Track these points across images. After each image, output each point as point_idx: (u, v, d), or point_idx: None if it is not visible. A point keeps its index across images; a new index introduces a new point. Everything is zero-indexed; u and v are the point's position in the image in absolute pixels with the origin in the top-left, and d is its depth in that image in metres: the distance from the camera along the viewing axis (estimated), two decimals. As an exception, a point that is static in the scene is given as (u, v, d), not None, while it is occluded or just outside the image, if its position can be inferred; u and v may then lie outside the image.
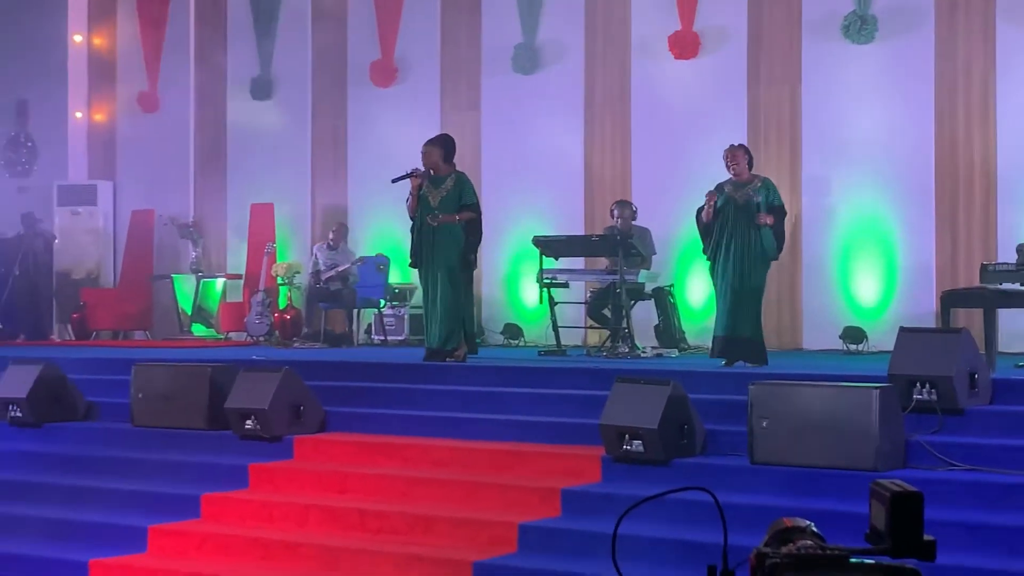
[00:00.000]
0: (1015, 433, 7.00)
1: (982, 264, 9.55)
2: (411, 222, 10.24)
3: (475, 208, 10.11)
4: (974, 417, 7.16)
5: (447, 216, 9.89)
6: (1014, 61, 11.34)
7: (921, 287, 11.59)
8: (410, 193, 10.06)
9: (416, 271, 10.53)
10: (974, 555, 5.92)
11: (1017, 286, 9.01)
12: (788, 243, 10.12)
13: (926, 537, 1.95)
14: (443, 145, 10.18)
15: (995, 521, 6.18)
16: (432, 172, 10.02)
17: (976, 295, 8.95)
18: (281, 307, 14.05)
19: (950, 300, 9.03)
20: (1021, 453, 6.76)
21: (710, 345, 9.93)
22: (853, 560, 1.86)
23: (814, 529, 1.99)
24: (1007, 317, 9.87)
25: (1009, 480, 6.51)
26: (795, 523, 2.01)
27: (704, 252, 9.80)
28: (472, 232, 10.07)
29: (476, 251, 10.31)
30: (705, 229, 9.72)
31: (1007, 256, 10.19)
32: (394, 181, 10.26)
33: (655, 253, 11.94)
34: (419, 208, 10.02)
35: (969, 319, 10.11)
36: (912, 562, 1.91)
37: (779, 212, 9.58)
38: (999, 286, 9.09)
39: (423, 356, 10.04)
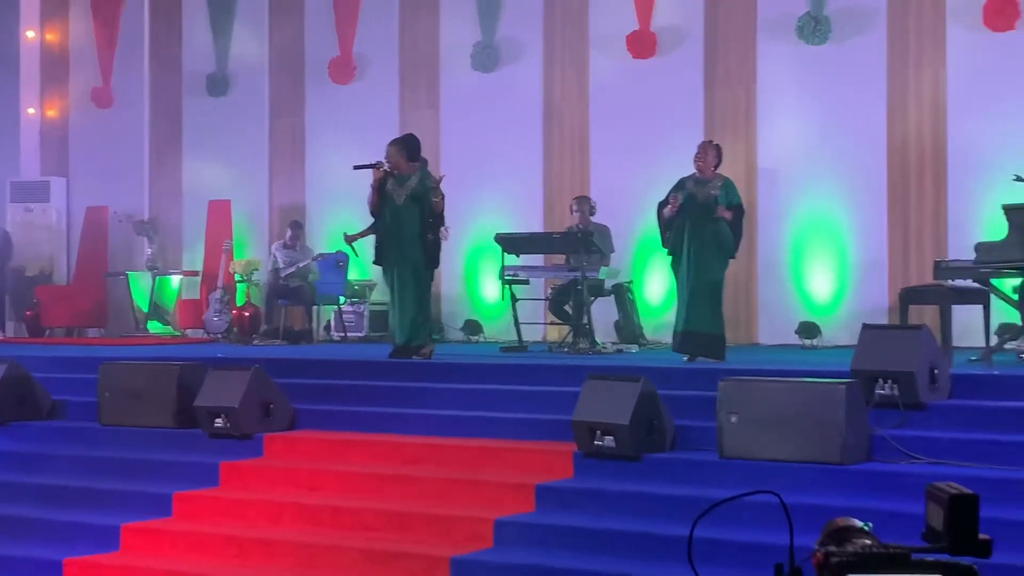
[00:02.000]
0: (974, 427, 7.20)
1: (936, 261, 9.78)
2: (372, 219, 10.31)
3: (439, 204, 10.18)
4: (935, 411, 7.36)
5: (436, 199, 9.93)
6: (964, 61, 11.60)
7: (874, 283, 11.84)
8: (371, 186, 10.12)
9: (380, 268, 10.60)
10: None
11: (970, 283, 9.24)
12: (744, 239, 10.30)
13: (981, 536, 2.10)
14: (406, 145, 10.26)
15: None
16: (396, 172, 10.10)
17: (934, 292, 9.17)
18: (239, 304, 14.07)
19: (908, 297, 9.25)
20: (980, 446, 6.96)
21: (668, 341, 10.09)
22: (915, 558, 2.00)
23: (870, 529, 2.13)
24: (957, 313, 10.12)
25: (969, 472, 6.69)
26: (850, 523, 2.14)
27: (663, 245, 9.96)
28: (428, 227, 10.12)
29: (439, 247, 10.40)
30: (666, 223, 9.88)
31: (957, 252, 10.44)
32: (356, 168, 10.30)
33: (614, 250, 12.10)
34: (383, 205, 10.09)
35: (921, 314, 10.36)
36: (968, 560, 2.05)
37: (738, 210, 9.75)
38: (951, 282, 9.33)
39: (389, 353, 10.11)
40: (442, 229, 10.34)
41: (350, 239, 10.90)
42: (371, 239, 10.59)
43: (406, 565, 6.92)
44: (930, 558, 2.04)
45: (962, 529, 2.09)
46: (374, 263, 10.53)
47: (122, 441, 9.09)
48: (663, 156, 11.94)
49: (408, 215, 10.00)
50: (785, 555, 2.14)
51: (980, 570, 2.10)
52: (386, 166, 10.09)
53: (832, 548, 2.03)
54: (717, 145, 10.05)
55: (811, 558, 2.04)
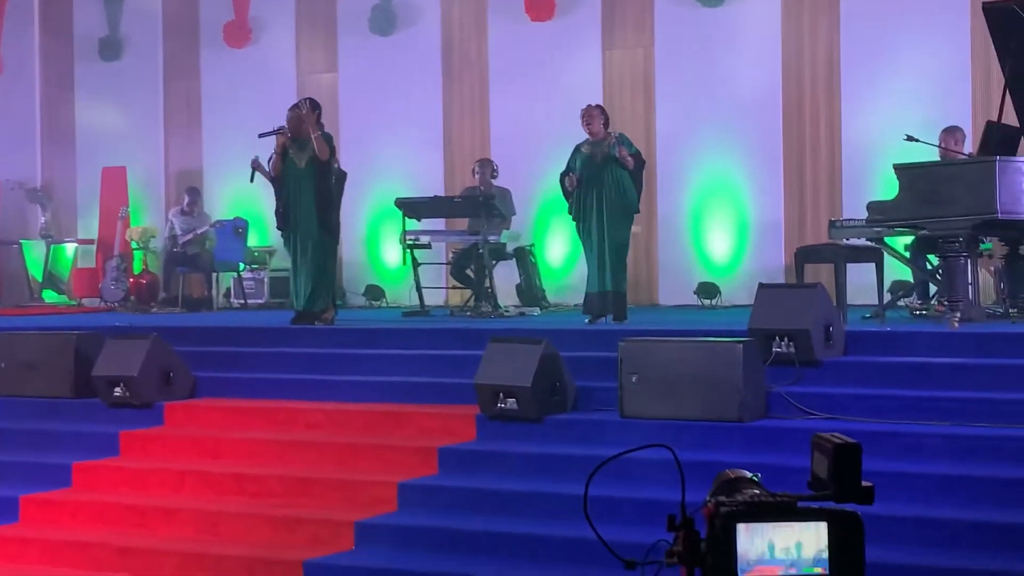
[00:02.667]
0: (867, 383, 7.35)
1: (830, 220, 9.95)
2: (273, 185, 10.23)
3: (332, 154, 10.13)
4: (830, 368, 7.51)
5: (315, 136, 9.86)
6: (857, 25, 11.78)
7: (771, 242, 12.02)
8: (275, 151, 10.04)
9: (281, 234, 10.52)
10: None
11: (863, 241, 9.42)
12: (644, 201, 10.37)
13: (864, 483, 2.17)
14: (311, 107, 10.14)
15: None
16: (297, 136, 10.01)
17: (828, 251, 9.34)
18: (136, 272, 13.88)
19: (803, 256, 9.41)
20: (873, 401, 7.12)
21: (571, 303, 10.16)
22: (800, 505, 2.07)
23: (759, 479, 2.19)
24: (853, 271, 10.32)
25: (862, 427, 6.83)
26: (740, 474, 2.20)
27: (569, 213, 10.00)
28: (327, 192, 10.08)
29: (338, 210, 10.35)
30: (567, 194, 9.93)
31: (852, 211, 10.63)
32: (261, 136, 10.18)
33: (515, 213, 12.12)
34: (284, 170, 10.01)
35: (817, 273, 10.55)
36: (852, 506, 2.12)
37: (636, 159, 9.78)
38: (846, 241, 9.50)
39: (291, 319, 10.06)
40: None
41: (256, 163, 10.42)
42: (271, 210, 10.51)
43: (310, 530, 6.92)
44: (815, 505, 2.11)
45: (846, 477, 2.16)
46: (278, 228, 10.42)
47: (19, 412, 8.96)
48: (563, 118, 11.92)
49: (309, 180, 9.94)
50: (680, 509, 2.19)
51: (863, 517, 2.16)
52: (287, 131, 10.00)
53: (722, 498, 2.08)
54: (599, 105, 10.12)
55: (702, 509, 2.09)
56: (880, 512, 6.01)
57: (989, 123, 8.53)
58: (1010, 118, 8.45)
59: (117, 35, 15.03)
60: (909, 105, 11.27)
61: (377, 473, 7.37)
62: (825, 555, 2.06)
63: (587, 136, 9.87)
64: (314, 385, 8.66)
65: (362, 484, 7.26)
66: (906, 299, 10.01)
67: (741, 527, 2.02)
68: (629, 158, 9.65)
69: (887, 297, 9.75)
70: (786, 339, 7.45)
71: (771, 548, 2.05)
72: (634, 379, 7.27)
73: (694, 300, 11.97)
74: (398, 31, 13.67)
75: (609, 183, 9.66)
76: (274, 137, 10.03)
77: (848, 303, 9.35)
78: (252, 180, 10.44)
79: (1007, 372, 7.07)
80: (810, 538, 2.06)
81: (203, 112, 14.66)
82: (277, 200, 10.18)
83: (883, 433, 6.71)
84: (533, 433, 7.40)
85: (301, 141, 9.99)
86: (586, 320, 9.71)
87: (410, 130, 13.45)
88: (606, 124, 9.92)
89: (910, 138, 9.03)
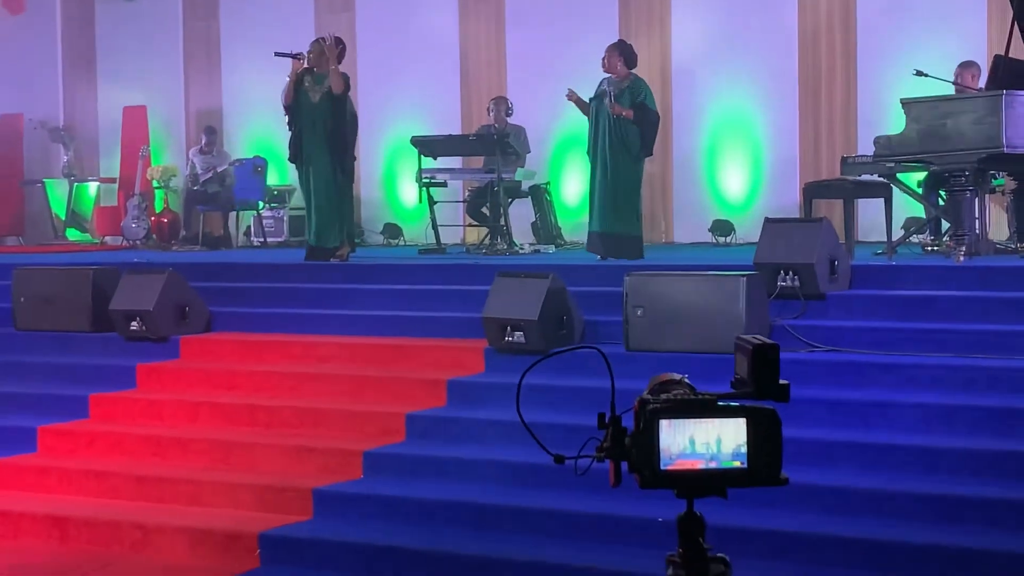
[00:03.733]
0: (871, 316, 7.42)
1: (842, 157, 9.97)
2: (285, 115, 10.23)
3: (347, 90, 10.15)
4: (833, 301, 7.57)
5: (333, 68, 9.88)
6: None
7: (786, 180, 12.04)
8: (288, 77, 10.05)
9: (295, 168, 10.59)
10: (833, 429, 6.35)
11: (875, 177, 9.44)
12: (659, 139, 10.38)
13: (781, 381, 2.26)
14: (332, 45, 10.14)
15: (852, 397, 6.60)
16: (315, 69, 10.04)
17: (836, 186, 9.37)
18: (158, 210, 14.02)
19: (811, 191, 9.44)
20: (876, 334, 7.18)
21: (584, 241, 10.22)
22: (721, 403, 2.17)
23: (687, 381, 2.28)
24: (867, 208, 10.35)
25: (865, 359, 6.92)
26: (670, 376, 2.30)
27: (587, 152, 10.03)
28: (342, 125, 10.13)
29: (354, 146, 10.42)
30: (584, 108, 9.94)
31: (866, 149, 10.63)
32: (277, 55, 10.18)
33: (529, 151, 12.16)
34: (299, 102, 10.04)
35: (831, 210, 10.58)
36: (770, 404, 2.22)
37: (642, 110, 9.73)
38: (859, 177, 9.52)
39: (304, 255, 10.16)
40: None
41: (280, 55, 10.21)
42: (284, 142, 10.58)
43: (320, 459, 7.05)
44: (735, 403, 2.20)
45: (764, 376, 2.26)
46: (289, 160, 10.49)
47: (38, 345, 9.11)
48: (580, 57, 11.94)
49: (322, 116, 9.99)
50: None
51: (781, 413, 2.26)
52: (306, 60, 10.02)
53: (647, 396, 2.18)
54: (620, 43, 10.07)
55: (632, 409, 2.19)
56: (882, 440, 6.16)
57: (997, 56, 8.51)
58: (1019, 51, 8.42)
59: (138, -26, 15.08)
60: (925, 40, 11.23)
61: (387, 404, 7.49)
62: (744, 449, 2.17)
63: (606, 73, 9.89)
64: (327, 320, 8.77)
65: (372, 415, 7.38)
66: (919, 235, 10.03)
67: (664, 423, 2.13)
68: (624, 111, 9.61)
69: (898, 233, 9.78)
70: (791, 273, 7.52)
71: (692, 443, 2.15)
72: (639, 312, 7.35)
73: (709, 238, 12.01)
74: (415, -33, 13.69)
75: (613, 125, 9.67)
76: (290, 61, 10.04)
77: (861, 239, 9.40)
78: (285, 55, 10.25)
79: (1008, 305, 7.11)
80: (729, 433, 2.16)
81: (222, 52, 14.73)
82: (290, 130, 10.21)
83: (885, 364, 6.80)
84: (541, 365, 7.46)
85: (318, 75, 10.02)
86: (597, 257, 9.77)
87: (427, 68, 13.48)
88: (628, 64, 9.86)
89: (920, 73, 9.01)
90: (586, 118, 9.88)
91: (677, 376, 2.30)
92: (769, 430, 2.16)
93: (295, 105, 10.03)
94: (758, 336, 2.31)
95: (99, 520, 6.82)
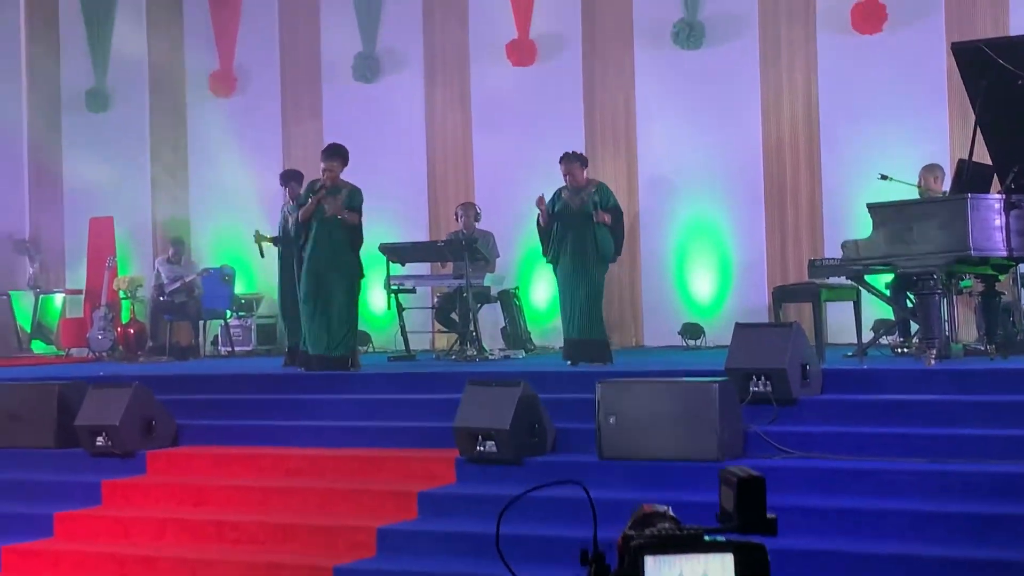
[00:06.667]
0: (843, 421, 7.40)
1: (810, 260, 10.02)
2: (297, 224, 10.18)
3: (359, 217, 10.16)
4: (806, 406, 7.55)
5: (344, 213, 9.92)
6: (834, 66, 11.89)
7: (754, 283, 12.09)
8: (314, 201, 9.97)
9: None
10: (810, 537, 6.27)
11: (843, 280, 9.48)
12: (627, 243, 10.45)
13: (769, 515, 2.22)
14: (344, 157, 10.17)
15: (828, 504, 6.54)
16: (331, 184, 10.04)
17: (805, 290, 9.40)
18: (124, 321, 13.92)
19: (781, 295, 9.46)
20: (849, 439, 7.16)
21: (556, 345, 10.21)
22: (707, 538, 2.11)
23: (671, 513, 2.23)
24: (836, 309, 10.38)
25: (839, 465, 6.88)
26: (654, 508, 2.25)
27: (544, 255, 10.08)
28: (357, 237, 10.12)
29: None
30: (544, 234, 10.01)
31: (833, 251, 10.70)
32: (301, 207, 10.11)
33: (499, 256, 12.18)
34: (313, 216, 10.00)
35: (800, 312, 10.61)
36: (757, 538, 2.17)
37: (615, 212, 9.89)
38: (826, 280, 9.56)
39: (309, 363, 9.93)
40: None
41: (260, 238, 10.95)
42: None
43: (290, 576, 6.92)
44: (722, 538, 2.15)
45: (750, 509, 2.22)
46: (296, 269, 10.21)
47: (2, 462, 8.96)
48: (546, 162, 11.96)
49: (339, 225, 9.97)
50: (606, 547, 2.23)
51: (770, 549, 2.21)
52: (324, 186, 9.97)
53: (631, 532, 2.12)
54: (576, 153, 10.19)
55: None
56: (856, 549, 6.10)
57: (961, 161, 8.61)
58: (982, 156, 8.53)
59: (104, 86, 15.14)
60: (888, 145, 11.37)
61: (357, 518, 7.39)
62: (732, 585, 2.11)
63: (567, 183, 9.96)
64: (296, 431, 8.68)
65: (342, 529, 7.27)
66: (888, 337, 10.06)
67: (649, 559, 2.07)
68: (607, 217, 9.72)
69: (868, 335, 9.80)
70: (763, 378, 7.50)
71: (679, 580, 2.09)
72: (612, 420, 7.30)
73: (679, 341, 12.01)
74: (381, 78, 13.80)
75: (584, 232, 9.73)
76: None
77: (831, 342, 9.41)
78: (262, 255, 10.60)
79: (981, 408, 7.10)
80: (716, 569, 2.10)
81: (189, 160, 14.76)
82: (301, 239, 10.07)
83: (859, 471, 6.76)
84: (513, 475, 7.41)
85: (333, 188, 10.01)
86: (568, 363, 9.74)
87: (395, 175, 13.52)
88: (584, 168, 10.01)
89: (884, 177, 9.10)
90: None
91: (661, 508, 2.25)
92: (757, 565, 2.11)
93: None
94: (744, 468, 2.26)
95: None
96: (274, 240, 11.18)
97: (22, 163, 15.59)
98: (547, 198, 9.97)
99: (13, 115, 15.56)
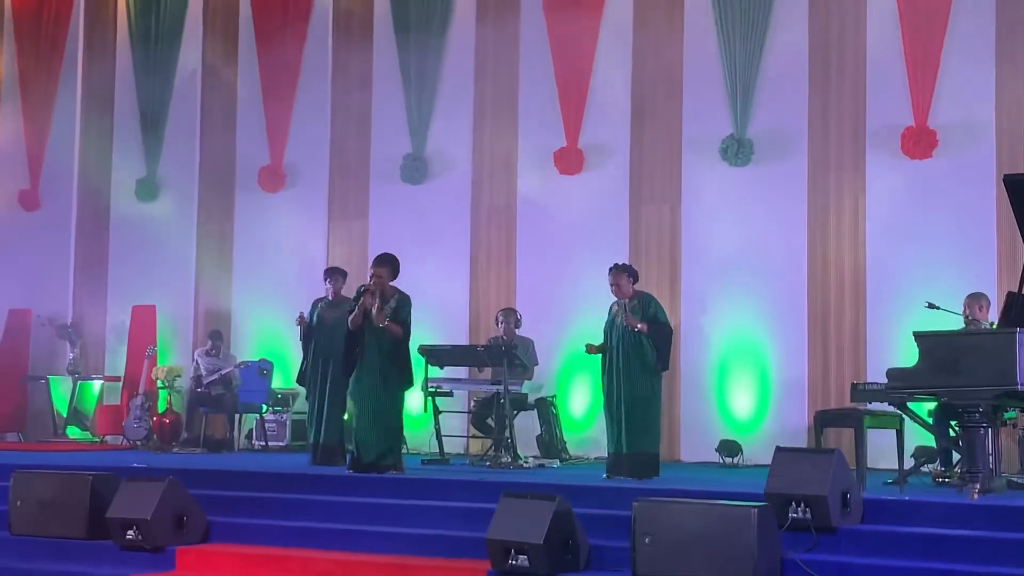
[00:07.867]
0: (882, 553, 7.25)
1: (852, 384, 9.89)
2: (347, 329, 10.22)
3: (407, 326, 10.19)
4: (846, 536, 7.41)
5: (387, 322, 9.98)
6: (882, 186, 11.86)
7: (794, 402, 11.95)
8: (364, 310, 10.04)
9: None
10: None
11: (885, 405, 9.35)
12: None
13: None
14: (394, 266, 10.25)
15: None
16: (382, 292, 10.10)
17: (848, 416, 9.27)
18: (160, 411, 13.91)
19: (823, 419, 9.35)
20: (888, 572, 7.02)
21: (591, 456, 10.11)
22: None
23: None
24: (876, 435, 10.23)
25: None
26: None
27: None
28: (405, 346, 10.17)
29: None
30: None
31: (876, 374, 10.57)
32: (351, 317, 10.14)
33: (537, 363, 12.14)
34: (363, 324, 10.06)
35: (840, 435, 10.48)
36: None
37: (655, 323, 9.84)
38: (867, 405, 9.44)
39: (357, 467, 9.93)
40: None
41: (301, 320, 11.43)
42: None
43: None
44: None
45: None
46: (345, 374, 10.31)
47: (32, 552, 8.93)
48: (589, 271, 12.04)
49: (388, 333, 9.99)
50: None
51: None
52: (372, 293, 10.02)
53: None
54: (624, 265, 10.20)
55: None
56: None
57: (1010, 293, 8.53)
58: (1031, 288, 8.44)
59: (155, 176, 15.32)
60: (935, 270, 11.29)
61: (384, 628, 7.27)
62: None
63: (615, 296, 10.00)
64: (328, 534, 8.61)
65: (369, 639, 7.16)
66: (929, 465, 9.89)
67: None
68: (639, 325, 9.71)
69: (909, 463, 9.64)
70: (803, 505, 7.38)
71: None
72: (647, 540, 7.20)
73: (716, 457, 11.87)
74: (429, 180, 13.89)
75: (628, 342, 9.74)
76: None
77: (870, 466, 9.24)
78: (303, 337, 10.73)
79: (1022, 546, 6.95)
80: None
81: (234, 253, 14.85)
82: (351, 345, 10.15)
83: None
84: (545, 594, 7.30)
85: (383, 297, 10.07)
86: (604, 476, 9.65)
87: (437, 277, 13.53)
88: (634, 282, 10.01)
89: (931, 305, 9.02)
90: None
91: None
92: None
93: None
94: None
95: None
96: (304, 328, 11.18)
97: (69, 249, 15.74)
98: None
99: (64, 200, 15.76)
